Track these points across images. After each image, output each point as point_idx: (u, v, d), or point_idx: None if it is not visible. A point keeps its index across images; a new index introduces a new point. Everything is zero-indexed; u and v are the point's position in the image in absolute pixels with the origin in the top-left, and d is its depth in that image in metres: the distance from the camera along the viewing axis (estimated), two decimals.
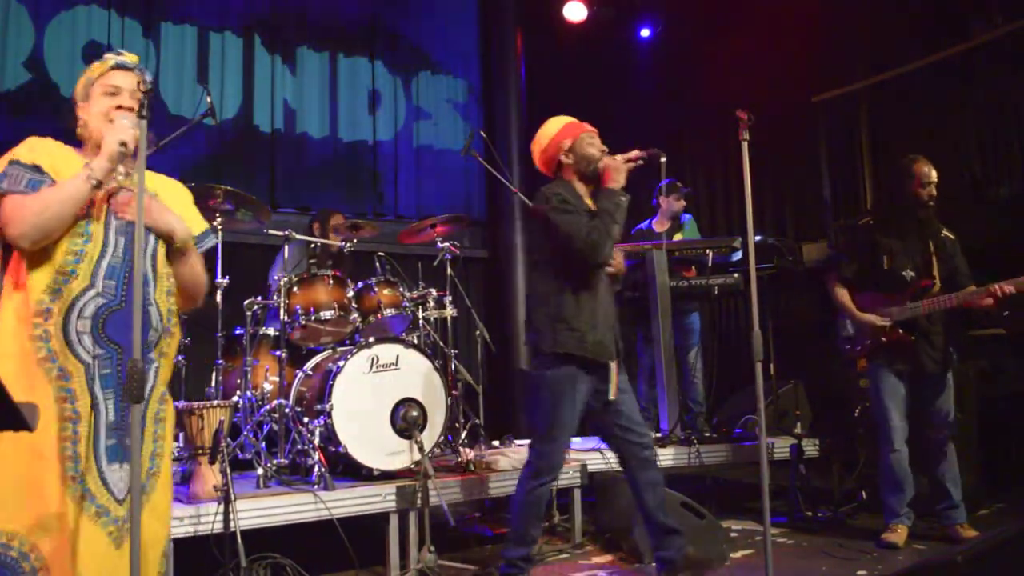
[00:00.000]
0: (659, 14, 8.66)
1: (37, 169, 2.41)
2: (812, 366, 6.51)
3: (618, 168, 3.63)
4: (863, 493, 5.23)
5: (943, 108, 6.66)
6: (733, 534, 4.74)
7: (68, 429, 2.31)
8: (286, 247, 4.77)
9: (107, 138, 2.43)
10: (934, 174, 4.49)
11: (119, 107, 2.52)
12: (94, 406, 2.35)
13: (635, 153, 3.67)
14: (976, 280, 4.39)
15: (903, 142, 6.53)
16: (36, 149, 2.46)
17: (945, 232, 4.55)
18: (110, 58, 2.58)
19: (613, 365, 3.64)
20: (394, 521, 3.97)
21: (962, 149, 6.50)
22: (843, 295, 4.68)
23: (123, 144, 2.40)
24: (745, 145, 3.25)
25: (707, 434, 5.77)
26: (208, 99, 4.78)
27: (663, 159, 3.56)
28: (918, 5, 7.13)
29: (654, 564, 3.80)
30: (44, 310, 2.35)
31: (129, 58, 2.59)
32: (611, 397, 3.62)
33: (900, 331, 4.43)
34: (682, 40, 8.52)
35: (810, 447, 5.54)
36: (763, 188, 8.35)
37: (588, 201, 3.66)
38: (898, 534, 4.39)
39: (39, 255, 2.36)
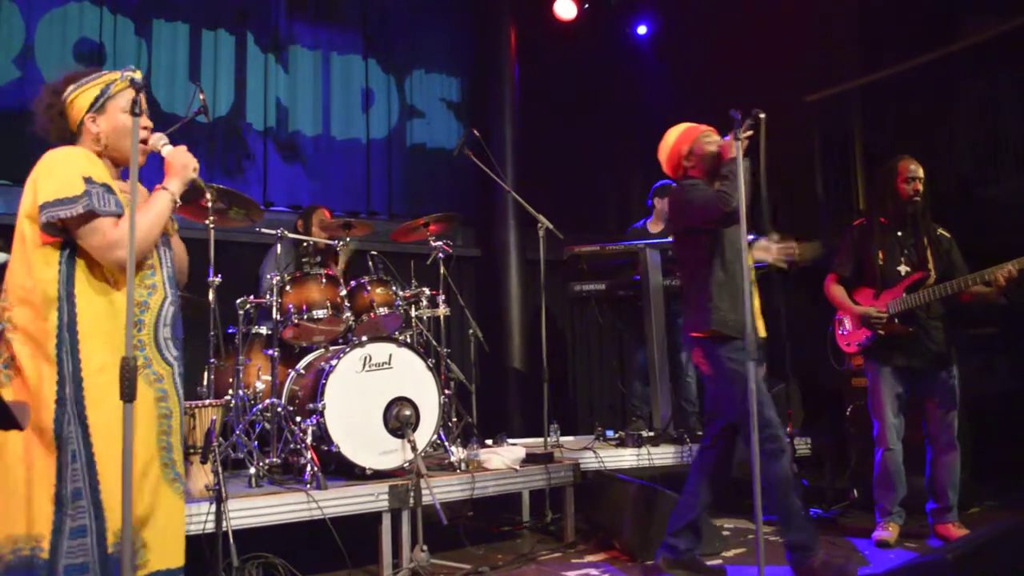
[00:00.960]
0: (655, 12, 8.66)
1: (109, 188, 2.53)
2: (804, 365, 6.52)
3: (731, 144, 3.73)
4: (855, 492, 5.25)
5: (935, 108, 6.68)
6: (725, 532, 4.75)
7: (164, 424, 2.60)
8: (279, 245, 4.76)
9: (185, 165, 2.67)
10: (920, 171, 4.51)
11: (152, 130, 2.69)
12: (179, 401, 2.65)
13: (740, 127, 3.70)
14: None
15: (896, 141, 6.55)
16: (95, 164, 2.56)
17: (940, 230, 4.56)
18: (127, 75, 2.64)
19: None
20: (387, 520, 3.97)
21: (954, 149, 6.52)
22: (839, 292, 4.70)
23: (195, 170, 2.71)
24: (738, 145, 3.26)
25: (700, 433, 5.78)
26: (201, 97, 4.75)
27: (762, 115, 3.62)
28: (910, 5, 7.15)
29: (650, 562, 3.80)
30: (136, 322, 2.53)
31: (139, 75, 2.64)
32: None
33: (897, 323, 4.43)
34: (677, 39, 8.53)
35: (802, 446, 5.57)
36: (757, 188, 8.36)
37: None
38: (890, 532, 4.41)
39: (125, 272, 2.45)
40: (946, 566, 2.74)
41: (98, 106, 2.61)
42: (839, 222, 6.70)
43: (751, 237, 6.07)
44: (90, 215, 2.43)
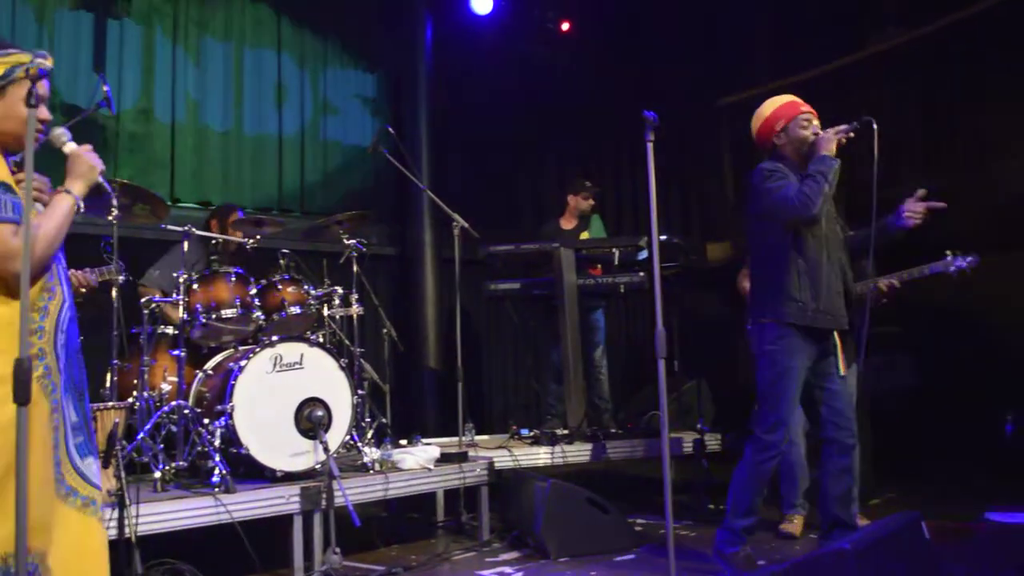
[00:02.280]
0: (572, 10, 8.71)
1: (6, 187, 2.33)
2: (715, 363, 6.67)
3: (828, 139, 3.67)
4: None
5: (841, 112, 6.89)
6: (638, 528, 4.81)
7: (53, 437, 2.38)
8: (186, 243, 4.63)
9: (91, 167, 2.52)
10: None
11: (52, 123, 2.52)
12: (64, 410, 2.42)
13: (844, 127, 3.71)
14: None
15: None
16: None
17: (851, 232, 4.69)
18: (39, 62, 2.42)
19: (837, 336, 3.75)
20: (298, 523, 3.90)
21: (859, 151, 6.74)
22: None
23: (102, 172, 2.56)
24: (650, 146, 3.29)
25: (613, 430, 5.86)
26: (104, 88, 4.61)
27: (874, 125, 3.59)
28: (819, 13, 7.39)
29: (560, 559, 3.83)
30: (37, 328, 2.35)
31: (51, 62, 2.46)
32: (841, 372, 3.74)
33: None
34: (594, 37, 8.61)
35: (713, 442, 5.68)
36: (668, 188, 8.53)
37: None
38: (795, 524, 4.54)
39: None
40: (848, 556, 2.83)
41: None
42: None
43: (663, 237, 6.20)
44: None
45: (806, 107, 3.83)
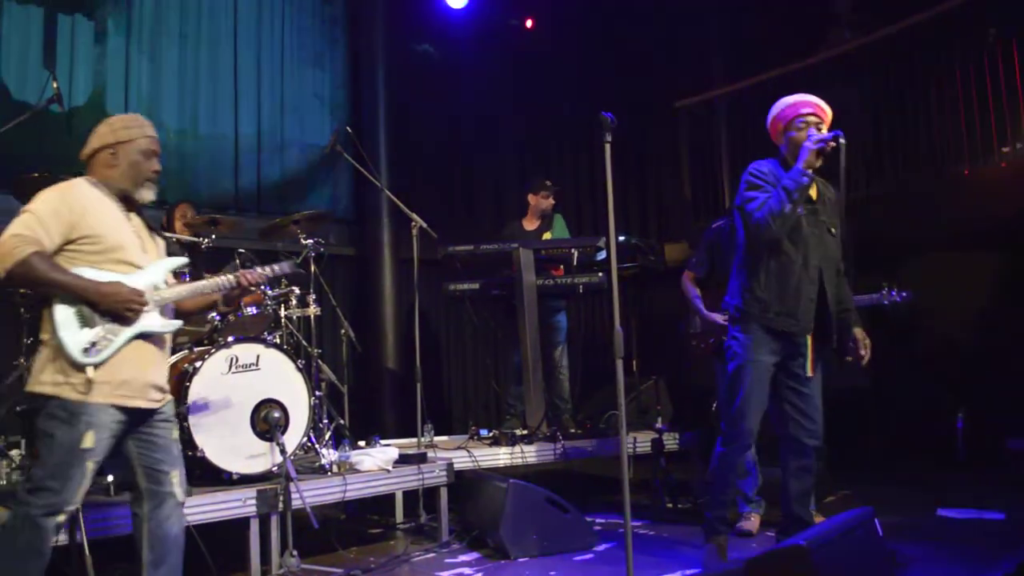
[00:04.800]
0: (534, 9, 8.72)
1: None
2: (673, 362, 6.72)
3: (808, 149, 3.64)
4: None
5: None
6: (597, 527, 4.82)
7: None
8: None
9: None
10: None
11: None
12: None
13: (826, 135, 3.66)
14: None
15: (759, 147, 6.81)
16: None
17: None
18: None
19: (809, 341, 3.74)
20: (255, 526, 3.85)
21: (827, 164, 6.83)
22: (692, 292, 4.88)
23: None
24: (608, 147, 3.30)
25: (572, 430, 5.87)
26: (54, 85, 4.52)
27: (842, 140, 3.56)
28: (774, 18, 7.48)
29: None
30: None
31: None
32: (808, 374, 3.75)
33: None
34: (555, 38, 8.63)
35: (671, 441, 5.71)
36: (627, 189, 8.59)
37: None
38: (751, 522, 4.60)
39: None
40: (804, 553, 2.86)
41: None
42: (706, 224, 6.94)
43: (622, 237, 6.23)
44: None
45: (809, 108, 3.77)
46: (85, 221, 2.85)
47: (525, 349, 5.61)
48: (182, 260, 3.21)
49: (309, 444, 4.56)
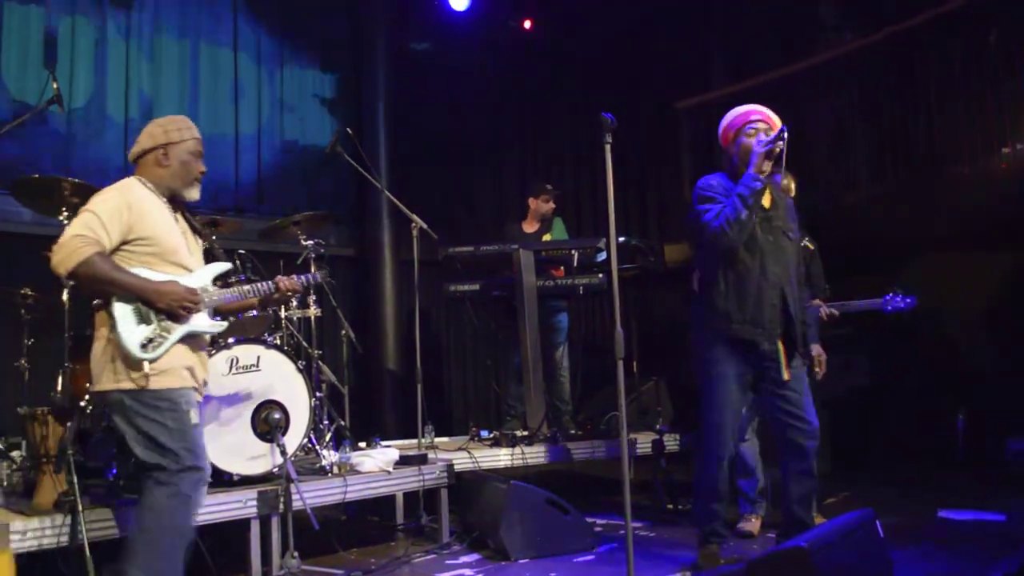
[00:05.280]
0: (535, 11, 8.71)
1: None
2: (674, 363, 6.71)
3: (757, 153, 3.66)
4: None
5: (796, 117, 6.99)
6: (597, 528, 4.82)
7: None
8: None
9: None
10: (787, 182, 4.69)
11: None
12: None
13: (769, 138, 3.67)
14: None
15: None
16: None
17: (806, 240, 4.75)
18: None
19: (780, 345, 3.74)
20: (255, 527, 3.85)
21: (815, 157, 6.84)
22: None
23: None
24: (608, 148, 3.30)
25: (573, 431, 5.87)
26: (55, 85, 4.51)
27: (785, 135, 3.59)
28: (773, 20, 7.48)
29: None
30: None
31: None
32: (784, 378, 3.74)
33: None
34: (555, 40, 8.63)
35: (671, 442, 5.71)
36: (627, 190, 8.59)
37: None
38: (752, 524, 4.59)
39: None
40: (805, 555, 2.86)
41: None
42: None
43: (622, 238, 6.23)
44: None
45: (759, 115, 3.81)
46: (143, 223, 3.00)
47: (525, 350, 5.61)
48: (227, 266, 3.37)
49: (310, 445, 4.55)
